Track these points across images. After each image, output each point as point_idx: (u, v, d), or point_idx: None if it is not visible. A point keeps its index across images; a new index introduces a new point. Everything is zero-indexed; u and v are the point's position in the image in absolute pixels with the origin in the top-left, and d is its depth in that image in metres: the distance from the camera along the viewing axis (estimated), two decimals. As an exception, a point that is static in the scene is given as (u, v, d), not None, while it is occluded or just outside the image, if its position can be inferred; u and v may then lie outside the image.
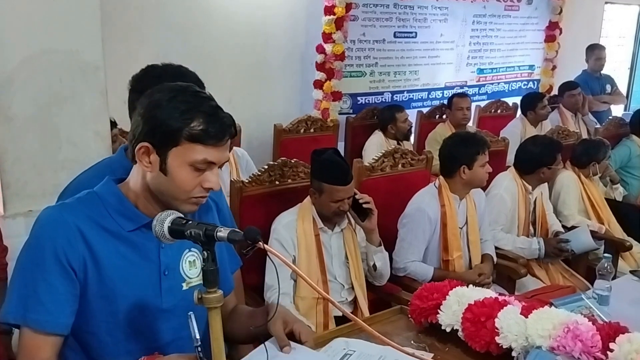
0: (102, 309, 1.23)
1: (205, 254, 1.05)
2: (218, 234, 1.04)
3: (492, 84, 5.86)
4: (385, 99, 4.94)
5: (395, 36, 4.88)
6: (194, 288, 1.32)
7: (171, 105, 1.18)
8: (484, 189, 2.87)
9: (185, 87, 1.24)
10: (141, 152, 1.21)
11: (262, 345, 1.26)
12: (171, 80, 1.46)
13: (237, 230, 1.04)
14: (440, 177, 2.67)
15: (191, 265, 1.34)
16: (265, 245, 1.05)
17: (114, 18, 3.41)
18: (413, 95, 5.18)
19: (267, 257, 1.09)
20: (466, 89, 5.46)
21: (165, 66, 1.59)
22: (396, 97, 5.03)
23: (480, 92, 5.67)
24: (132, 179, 1.28)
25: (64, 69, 2.29)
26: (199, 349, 1.10)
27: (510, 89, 6.05)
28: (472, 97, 4.73)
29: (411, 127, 4.43)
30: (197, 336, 1.10)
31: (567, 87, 5.00)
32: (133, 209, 1.26)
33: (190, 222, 1.09)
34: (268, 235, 2.27)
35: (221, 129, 1.20)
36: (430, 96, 5.31)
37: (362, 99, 4.82)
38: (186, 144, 1.18)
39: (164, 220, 1.09)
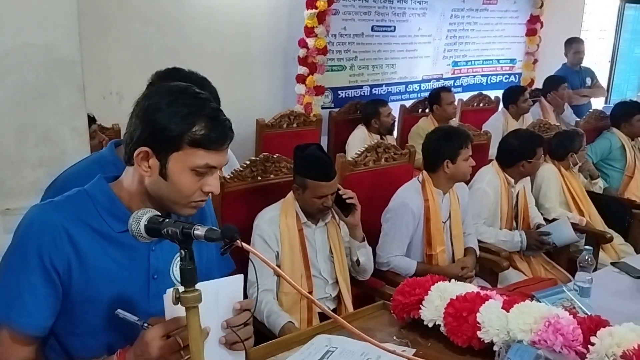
0: (87, 310, 1.21)
1: (183, 252, 1.03)
2: (195, 232, 1.02)
3: (467, 76, 5.88)
4: (364, 93, 4.93)
5: (373, 30, 4.86)
6: None
7: (172, 109, 1.16)
8: (467, 182, 2.88)
9: (185, 88, 1.21)
10: (140, 156, 1.18)
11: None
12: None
13: (214, 228, 1.02)
14: (424, 171, 2.67)
15: None
16: (244, 244, 1.03)
17: (91, 12, 3.34)
18: (391, 89, 5.18)
19: (250, 254, 1.07)
20: (442, 81, 5.49)
21: (190, 73, 1.61)
22: (375, 90, 5.02)
23: (456, 84, 5.69)
24: (127, 180, 1.25)
25: (39, 64, 2.23)
26: (145, 325, 1.14)
27: (489, 82, 6.08)
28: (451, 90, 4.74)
29: (394, 121, 4.44)
30: (135, 319, 1.15)
31: (555, 81, 5.00)
32: (124, 209, 1.23)
33: (167, 220, 1.07)
34: (251, 232, 2.25)
35: (223, 133, 1.19)
36: (407, 89, 5.33)
37: (342, 92, 4.81)
38: (188, 149, 1.17)
39: (140, 219, 1.07)
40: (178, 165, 1.18)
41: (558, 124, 4.47)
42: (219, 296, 1.19)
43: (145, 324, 1.14)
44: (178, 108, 1.16)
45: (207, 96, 1.22)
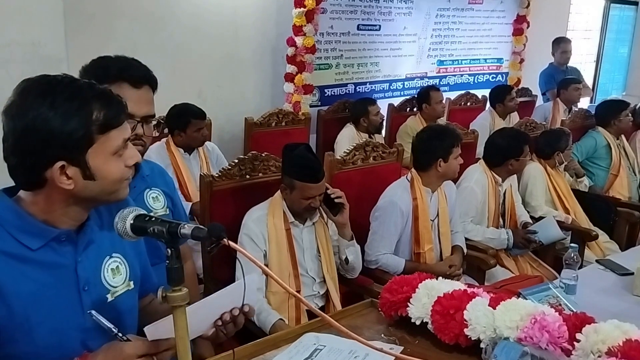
0: (18, 339, 1.12)
1: (169, 251, 1.01)
2: (181, 230, 1.01)
3: (453, 75, 5.91)
4: (349, 91, 4.95)
5: (358, 28, 4.88)
6: (122, 297, 1.27)
7: (59, 110, 1.07)
8: (455, 180, 2.89)
9: (52, 82, 1.11)
10: (58, 174, 1.09)
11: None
12: (117, 73, 1.42)
13: (201, 226, 1.01)
14: (413, 170, 2.67)
15: (115, 272, 1.26)
16: (231, 242, 1.03)
17: (78, 9, 3.32)
18: (375, 87, 5.20)
19: (237, 252, 1.07)
20: (426, 80, 5.51)
21: (116, 57, 1.54)
22: (359, 88, 5.04)
23: (442, 83, 5.72)
24: (36, 199, 1.14)
25: (25, 62, 2.23)
26: (120, 334, 1.11)
27: (476, 81, 6.11)
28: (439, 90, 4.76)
29: (383, 120, 4.46)
30: (110, 326, 1.11)
31: (571, 81, 5.05)
32: (37, 222, 1.13)
33: (153, 219, 1.06)
34: (239, 230, 2.25)
35: (119, 105, 1.15)
36: (391, 87, 5.35)
37: (328, 91, 4.81)
38: (100, 137, 1.11)
39: (127, 217, 1.06)
40: (99, 158, 1.11)
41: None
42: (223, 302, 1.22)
43: (120, 334, 1.12)
44: (64, 106, 1.07)
45: (77, 78, 1.15)
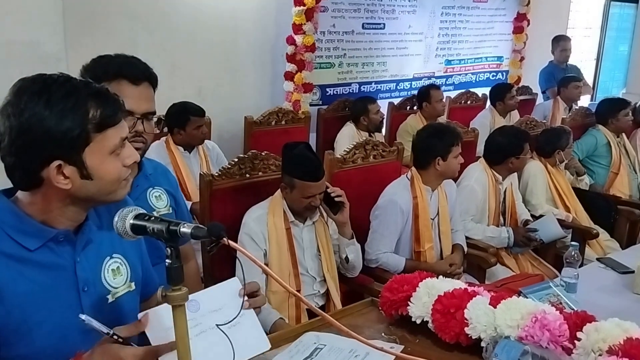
0: (15, 341, 1.12)
1: (169, 250, 1.01)
2: (181, 229, 1.00)
3: (460, 74, 5.91)
4: (353, 90, 4.94)
5: (363, 27, 4.87)
6: (123, 298, 1.26)
7: (54, 109, 1.06)
8: (455, 179, 2.89)
9: (47, 81, 1.10)
10: (54, 173, 1.09)
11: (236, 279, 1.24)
12: (116, 70, 1.43)
13: (200, 226, 1.01)
14: (413, 168, 2.67)
15: (115, 273, 1.25)
16: (231, 242, 1.02)
17: (77, 8, 3.31)
18: (381, 87, 5.19)
19: (237, 251, 1.06)
20: (434, 79, 5.50)
21: (116, 55, 1.54)
22: (364, 88, 5.03)
23: (448, 82, 5.72)
24: (32, 199, 1.14)
25: (24, 61, 2.22)
26: (115, 336, 1.10)
27: (478, 80, 6.11)
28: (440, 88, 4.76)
29: (383, 118, 4.45)
30: (103, 328, 1.09)
31: (571, 79, 5.06)
32: (34, 223, 1.13)
33: (153, 218, 1.05)
34: (239, 229, 2.25)
35: (116, 103, 1.13)
36: (398, 87, 5.33)
37: (330, 90, 4.80)
38: (97, 136, 1.10)
39: (126, 217, 1.05)
40: (96, 157, 1.11)
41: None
42: (221, 300, 1.21)
43: (116, 335, 1.11)
44: (60, 104, 1.06)
45: (73, 76, 1.14)
